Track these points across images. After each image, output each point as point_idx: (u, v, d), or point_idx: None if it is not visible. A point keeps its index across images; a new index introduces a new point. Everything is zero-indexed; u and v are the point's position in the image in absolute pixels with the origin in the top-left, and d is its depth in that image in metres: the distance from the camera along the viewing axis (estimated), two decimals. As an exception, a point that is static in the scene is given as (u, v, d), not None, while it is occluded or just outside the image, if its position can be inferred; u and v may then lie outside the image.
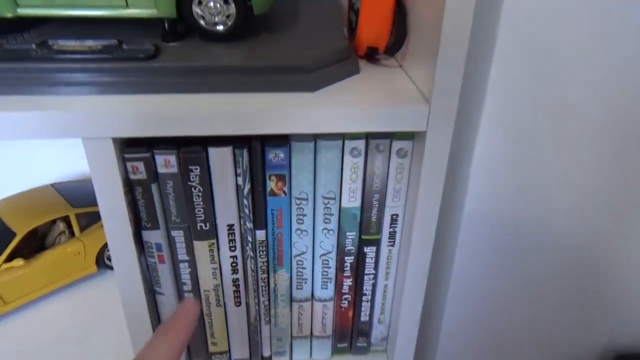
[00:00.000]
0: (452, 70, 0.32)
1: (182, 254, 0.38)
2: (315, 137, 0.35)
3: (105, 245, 0.56)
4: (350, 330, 0.46)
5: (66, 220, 0.55)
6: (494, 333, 0.68)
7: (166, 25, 0.35)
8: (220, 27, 0.35)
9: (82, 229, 0.55)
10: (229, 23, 0.35)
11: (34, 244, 0.53)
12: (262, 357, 0.46)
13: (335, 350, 0.47)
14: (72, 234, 0.55)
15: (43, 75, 0.31)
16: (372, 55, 0.40)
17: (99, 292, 0.55)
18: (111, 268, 0.57)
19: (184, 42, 0.35)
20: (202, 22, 0.34)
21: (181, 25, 0.36)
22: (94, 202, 0.56)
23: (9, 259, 0.50)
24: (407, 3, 0.37)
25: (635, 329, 0.70)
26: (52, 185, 0.59)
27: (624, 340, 0.71)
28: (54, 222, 0.55)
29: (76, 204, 0.55)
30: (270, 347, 0.45)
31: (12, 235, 0.51)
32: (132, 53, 0.32)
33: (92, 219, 0.56)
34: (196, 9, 0.34)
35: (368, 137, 0.36)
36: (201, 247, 0.38)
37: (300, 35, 0.38)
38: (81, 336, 0.49)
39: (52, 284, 0.53)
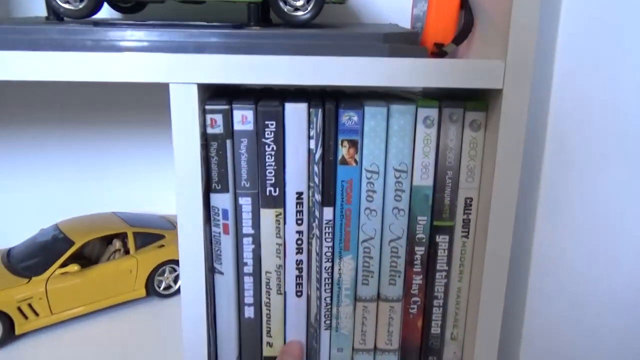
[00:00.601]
0: (526, 34, 0.33)
1: (247, 227, 0.37)
2: (388, 104, 0.36)
3: (157, 268, 0.54)
4: (419, 346, 0.41)
5: (123, 240, 0.55)
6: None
7: (251, 10, 0.39)
8: (300, 13, 0.38)
9: (137, 248, 0.54)
10: (309, 8, 0.38)
11: (90, 262, 0.53)
12: (318, 375, 0.41)
13: (402, 373, 0.41)
14: (127, 254, 0.54)
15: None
16: (440, 52, 0.42)
17: (146, 317, 0.52)
18: (160, 296, 0.55)
19: (265, 28, 0.39)
20: (284, 6, 0.38)
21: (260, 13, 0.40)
22: (151, 226, 0.56)
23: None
24: (472, -4, 0.40)
25: None
26: (113, 212, 0.60)
27: None
28: (110, 242, 0.55)
29: (134, 225, 0.56)
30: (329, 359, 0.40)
31: (71, 243, 0.51)
32: (225, 24, 0.35)
33: (148, 240, 0.55)
34: (282, -10, 0.37)
35: (441, 106, 0.36)
36: (267, 217, 0.37)
37: (369, 27, 0.41)
38: (125, 352, 0.45)
39: (101, 300, 0.51)
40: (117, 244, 0.54)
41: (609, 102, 0.49)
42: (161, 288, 0.55)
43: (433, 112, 0.36)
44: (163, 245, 0.55)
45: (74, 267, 0.49)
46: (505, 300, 0.60)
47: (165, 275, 0.55)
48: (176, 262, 0.55)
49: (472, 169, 0.37)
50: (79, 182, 0.65)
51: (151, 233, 0.55)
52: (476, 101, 0.36)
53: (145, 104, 0.63)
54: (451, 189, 0.37)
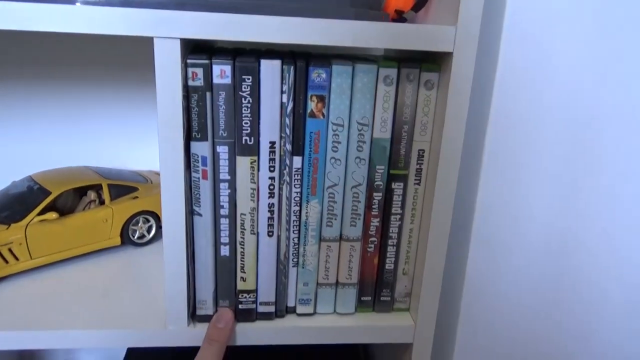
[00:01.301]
0: (475, 3, 0.38)
1: (224, 173, 0.41)
2: (353, 63, 0.40)
3: (132, 218, 0.57)
4: (375, 280, 0.46)
5: (97, 192, 0.57)
6: (505, 345, 0.66)
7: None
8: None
9: (112, 199, 0.57)
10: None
11: (66, 211, 0.55)
12: (286, 306, 0.46)
13: (360, 304, 0.47)
14: (102, 204, 0.56)
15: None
16: (400, 19, 0.46)
17: (122, 263, 0.55)
18: (134, 244, 0.58)
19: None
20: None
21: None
22: (125, 179, 0.59)
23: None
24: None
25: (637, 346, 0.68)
26: (86, 166, 0.62)
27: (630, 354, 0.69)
28: (85, 193, 0.57)
29: (108, 177, 0.58)
30: (295, 295, 0.45)
31: (47, 193, 0.53)
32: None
33: (122, 192, 0.58)
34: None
35: (399, 66, 0.41)
36: (243, 164, 0.40)
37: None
38: (106, 291, 0.49)
39: (78, 247, 0.54)
40: (92, 195, 0.57)
41: (553, 67, 0.55)
42: (135, 237, 0.58)
43: (392, 72, 0.40)
44: (137, 197, 0.58)
45: (52, 215, 0.51)
46: (451, 248, 0.67)
47: (140, 225, 0.58)
48: (150, 212, 0.59)
49: (425, 124, 0.42)
50: (51, 137, 0.66)
51: (125, 185, 0.58)
52: (430, 63, 0.41)
53: (119, 61, 0.64)
54: (406, 141, 0.42)
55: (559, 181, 0.60)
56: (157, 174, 0.66)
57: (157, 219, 0.59)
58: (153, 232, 0.59)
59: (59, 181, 0.55)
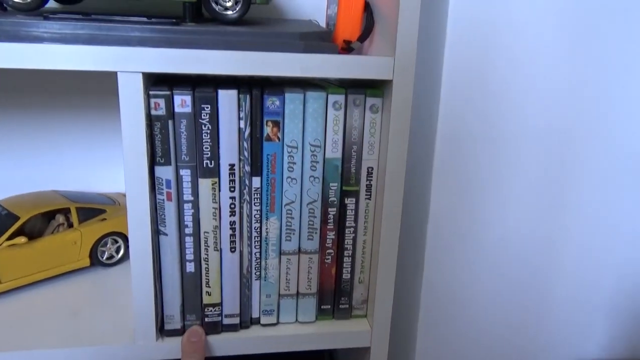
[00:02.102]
0: (409, 36, 0.42)
1: (187, 194, 0.44)
2: (304, 91, 0.44)
3: (100, 240, 0.59)
4: (334, 289, 0.50)
5: (66, 215, 0.59)
6: (465, 351, 0.71)
7: (186, 8, 0.45)
8: (229, 12, 0.45)
9: (80, 222, 0.59)
10: (237, 8, 0.45)
11: (35, 235, 0.56)
12: (251, 318, 0.49)
13: (320, 313, 0.50)
14: (71, 227, 0.58)
15: (107, 30, 0.40)
16: (348, 48, 0.50)
17: (92, 284, 0.57)
18: (103, 265, 0.60)
19: (198, 24, 0.45)
20: (215, 5, 0.44)
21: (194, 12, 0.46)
22: (92, 201, 0.61)
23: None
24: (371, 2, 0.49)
25: (593, 339, 0.74)
26: (54, 190, 0.64)
27: (585, 349, 0.74)
28: (53, 216, 0.59)
29: (76, 200, 0.60)
30: (259, 306, 0.48)
31: (16, 218, 0.54)
32: (165, 20, 0.41)
33: (90, 214, 0.60)
34: (213, -8, 0.44)
35: (347, 93, 0.45)
36: (205, 185, 0.43)
37: (290, 24, 0.48)
38: (76, 310, 0.51)
39: (48, 270, 0.55)
40: (60, 218, 0.59)
41: (494, 91, 0.60)
42: (104, 258, 0.60)
43: (340, 98, 0.45)
44: (105, 219, 0.60)
45: (22, 239, 0.53)
46: (409, 254, 0.71)
47: (108, 246, 0.60)
48: (118, 234, 0.61)
49: (373, 143, 0.46)
50: (18, 163, 0.67)
51: (93, 208, 0.60)
52: (374, 89, 0.45)
53: (85, 90, 0.67)
54: (356, 160, 0.46)
55: (506, 189, 0.65)
56: (124, 195, 0.68)
57: (126, 239, 0.61)
58: (122, 252, 0.61)
59: (27, 206, 0.56)
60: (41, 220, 0.58)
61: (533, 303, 0.71)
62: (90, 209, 0.60)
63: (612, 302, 0.73)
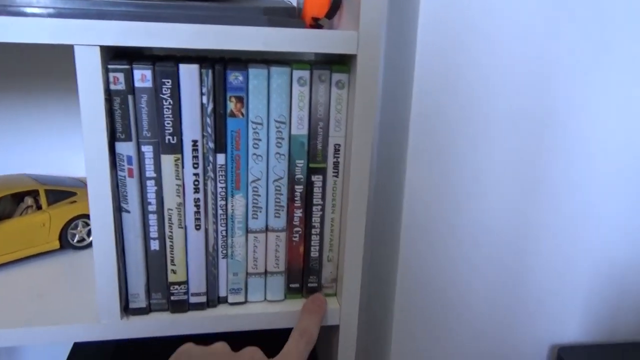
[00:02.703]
0: (374, 10, 0.42)
1: (150, 171, 0.43)
2: (268, 66, 0.43)
3: (70, 222, 0.59)
4: (302, 267, 0.49)
5: (35, 198, 0.58)
6: (440, 333, 0.71)
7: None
8: (193, -13, 0.44)
9: (49, 204, 0.58)
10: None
11: (3, 217, 0.56)
12: (218, 297, 0.48)
13: (289, 291, 0.50)
14: (40, 209, 0.58)
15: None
16: (316, 25, 0.50)
17: (61, 266, 0.56)
18: (74, 248, 0.59)
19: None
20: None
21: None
22: (62, 184, 0.60)
23: (-24, 219, 0.52)
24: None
25: (570, 323, 0.75)
26: (23, 173, 0.63)
27: (562, 334, 0.75)
28: (22, 199, 0.58)
29: (45, 183, 0.59)
30: (226, 285, 0.48)
31: (-18, 200, 0.54)
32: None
33: (60, 197, 0.59)
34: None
35: (312, 68, 0.44)
36: (167, 162, 0.43)
37: (259, 1, 0.48)
38: (43, 291, 0.50)
39: (16, 251, 0.55)
40: (28, 200, 0.58)
41: (468, 73, 0.60)
42: (75, 241, 0.60)
43: (305, 74, 0.44)
44: (75, 202, 0.60)
45: (-13, 221, 0.52)
46: (385, 237, 0.71)
47: (79, 228, 0.60)
48: (88, 216, 0.60)
49: (339, 120, 0.46)
50: (-14, 146, 0.66)
51: (62, 190, 0.59)
52: (340, 64, 0.45)
53: (54, 71, 0.66)
54: (322, 137, 0.46)
55: (485, 167, 0.65)
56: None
57: (97, 222, 0.61)
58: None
59: (-5, 188, 0.56)
60: (10, 202, 0.57)
61: (509, 288, 0.71)
62: (59, 191, 0.59)
63: (588, 287, 0.73)
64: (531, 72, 0.62)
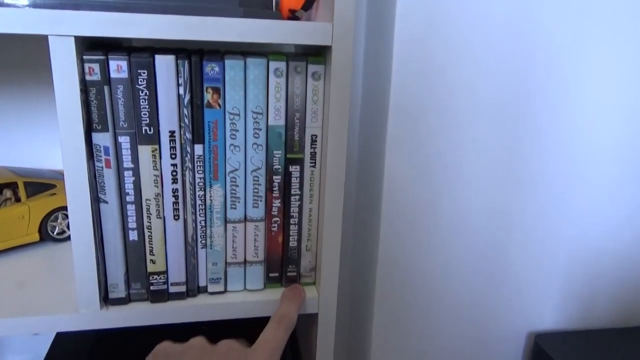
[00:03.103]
0: (348, 1, 0.42)
1: (127, 161, 0.43)
2: (245, 57, 0.44)
3: (50, 215, 0.59)
4: (281, 257, 0.50)
5: (14, 190, 0.58)
6: (421, 322, 0.72)
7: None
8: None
9: (29, 197, 0.58)
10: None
11: (-21, 208, 0.56)
12: (198, 286, 0.49)
13: (268, 281, 0.51)
14: (18, 202, 0.57)
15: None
16: (293, 17, 0.50)
17: (41, 258, 0.56)
18: (55, 240, 0.59)
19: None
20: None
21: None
22: (41, 176, 0.60)
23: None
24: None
25: (547, 311, 0.76)
26: (2, 166, 0.63)
27: (540, 321, 0.77)
28: (0, 192, 0.58)
29: (24, 175, 0.59)
30: (206, 274, 0.49)
31: (-41, 192, 0.53)
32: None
33: (39, 189, 0.59)
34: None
35: (288, 60, 0.45)
36: (145, 152, 0.43)
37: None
38: (22, 282, 0.50)
39: (-7, 244, 0.55)
40: (7, 193, 0.58)
41: (445, 64, 0.61)
42: (55, 233, 0.60)
43: (282, 65, 0.45)
44: (55, 194, 0.60)
45: (-36, 213, 0.52)
46: (366, 226, 0.72)
47: (59, 221, 0.60)
48: (68, 208, 0.60)
49: (316, 111, 0.47)
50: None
51: (42, 182, 0.59)
52: (316, 56, 0.46)
53: (30, 63, 0.65)
54: (299, 127, 0.47)
55: (462, 154, 0.66)
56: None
57: (77, 214, 0.61)
58: (73, 227, 0.61)
59: (-28, 181, 0.55)
60: (-13, 195, 0.57)
61: (487, 275, 0.72)
62: (39, 183, 0.59)
63: (565, 274, 0.75)
64: (509, 64, 0.63)
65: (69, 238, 0.60)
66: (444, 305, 0.73)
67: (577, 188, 0.71)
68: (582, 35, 0.64)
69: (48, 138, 0.68)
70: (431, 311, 0.73)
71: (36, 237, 0.58)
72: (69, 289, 0.49)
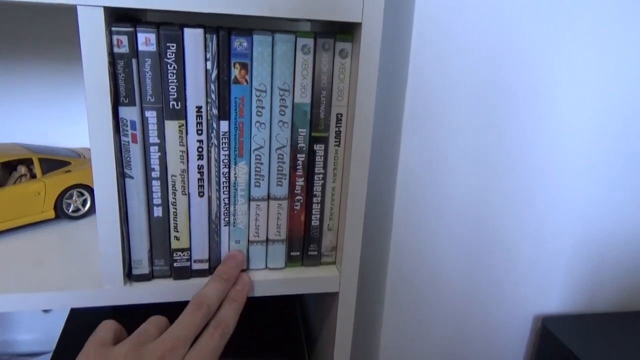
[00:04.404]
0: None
1: (153, 136, 0.43)
2: (273, 33, 0.43)
3: (65, 192, 0.58)
4: (303, 236, 0.50)
5: (28, 167, 0.58)
6: (429, 304, 0.73)
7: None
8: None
9: (44, 173, 0.57)
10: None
11: (-6, 184, 0.55)
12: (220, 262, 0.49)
13: (289, 259, 0.51)
14: (34, 179, 0.57)
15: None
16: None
17: (58, 234, 0.56)
18: (70, 217, 0.59)
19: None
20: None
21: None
22: (56, 153, 0.59)
23: (-30, 186, 0.51)
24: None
25: (552, 294, 0.77)
26: (15, 142, 0.62)
27: (546, 304, 0.78)
28: (15, 168, 0.57)
29: (39, 152, 0.58)
30: (228, 252, 0.48)
31: (-25, 167, 0.53)
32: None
33: (54, 166, 0.58)
34: None
35: (316, 37, 0.44)
36: (171, 128, 0.43)
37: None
38: (41, 258, 0.50)
39: (10, 220, 0.54)
40: (22, 169, 0.57)
41: (466, 34, 0.61)
42: (70, 210, 0.59)
43: (309, 42, 0.44)
44: (70, 171, 0.59)
45: (-19, 189, 0.51)
46: (378, 208, 0.72)
47: (74, 198, 0.59)
48: (83, 186, 0.60)
49: (342, 89, 0.46)
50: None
51: (57, 159, 0.59)
52: (344, 34, 0.45)
53: (53, 40, 0.64)
54: (325, 105, 0.46)
55: (476, 142, 0.66)
56: (90, 150, 0.67)
57: (92, 192, 0.60)
58: (88, 205, 0.60)
59: (-13, 156, 0.55)
60: (2, 171, 0.56)
61: (495, 258, 0.73)
62: (54, 160, 0.59)
63: (572, 258, 0.76)
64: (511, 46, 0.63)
65: (83, 216, 0.60)
66: (452, 288, 0.73)
67: (585, 172, 0.71)
68: (567, 20, 0.64)
69: (61, 116, 0.67)
70: (439, 294, 0.73)
71: (52, 214, 0.57)
72: (89, 265, 0.49)
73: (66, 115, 0.67)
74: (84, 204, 0.60)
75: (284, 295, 0.49)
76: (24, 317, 0.77)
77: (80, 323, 0.61)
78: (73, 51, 0.65)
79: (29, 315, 0.77)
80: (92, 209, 0.61)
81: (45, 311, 0.76)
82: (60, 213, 0.58)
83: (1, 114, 0.66)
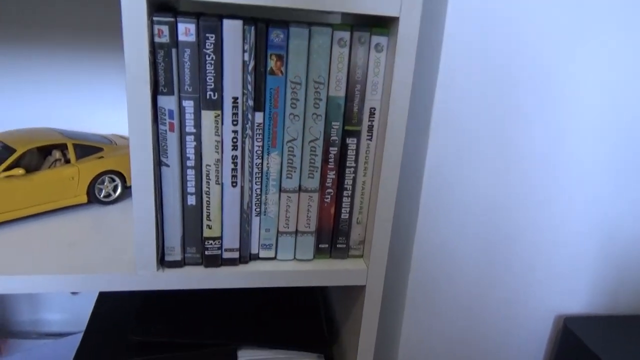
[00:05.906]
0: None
1: (190, 126, 0.43)
2: (309, 26, 0.43)
3: (97, 177, 0.59)
4: (332, 228, 0.50)
5: (63, 152, 0.59)
6: (451, 302, 0.73)
7: None
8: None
9: (78, 159, 0.59)
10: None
11: (32, 170, 0.56)
12: (250, 254, 0.49)
13: (317, 251, 0.51)
14: (67, 163, 0.58)
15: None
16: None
17: (90, 219, 0.57)
18: (101, 202, 0.60)
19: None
20: None
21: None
22: (89, 139, 0.60)
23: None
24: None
25: (575, 294, 0.77)
26: (50, 128, 0.63)
27: (569, 304, 0.77)
28: (50, 152, 0.59)
29: (73, 137, 0.59)
30: (258, 241, 0.49)
31: (13, 151, 0.54)
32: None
33: (87, 152, 0.60)
34: None
35: (352, 30, 0.44)
36: (207, 118, 0.43)
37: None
38: (75, 241, 0.51)
39: (45, 203, 0.55)
40: (56, 154, 0.58)
41: (497, 32, 0.60)
42: (101, 196, 0.60)
43: (346, 35, 0.44)
44: (102, 157, 0.60)
45: (19, 171, 0.53)
46: (404, 206, 0.72)
47: (106, 184, 0.60)
48: (115, 172, 0.61)
49: (376, 84, 0.46)
50: (13, 100, 0.66)
51: (90, 145, 0.60)
52: (380, 27, 0.45)
53: (88, 27, 0.65)
54: (359, 99, 0.46)
55: (501, 141, 0.65)
56: (121, 137, 0.68)
57: (123, 178, 0.61)
58: (119, 191, 0.61)
59: (24, 140, 0.56)
60: (37, 155, 0.58)
61: (516, 257, 0.73)
62: (87, 146, 0.60)
63: (594, 259, 0.75)
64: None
65: (115, 201, 0.61)
66: (473, 286, 0.73)
67: (611, 174, 0.70)
68: (583, 21, 0.62)
69: (93, 102, 0.68)
70: (460, 290, 0.73)
71: (84, 198, 0.59)
72: (122, 250, 0.50)
73: (99, 101, 0.68)
74: (114, 189, 0.61)
75: (316, 286, 0.50)
76: (53, 298, 0.79)
77: (109, 306, 0.62)
78: (106, 39, 0.66)
79: (58, 297, 0.79)
80: (122, 195, 0.62)
81: (74, 293, 0.78)
82: (92, 198, 0.59)
83: (38, 99, 0.67)
